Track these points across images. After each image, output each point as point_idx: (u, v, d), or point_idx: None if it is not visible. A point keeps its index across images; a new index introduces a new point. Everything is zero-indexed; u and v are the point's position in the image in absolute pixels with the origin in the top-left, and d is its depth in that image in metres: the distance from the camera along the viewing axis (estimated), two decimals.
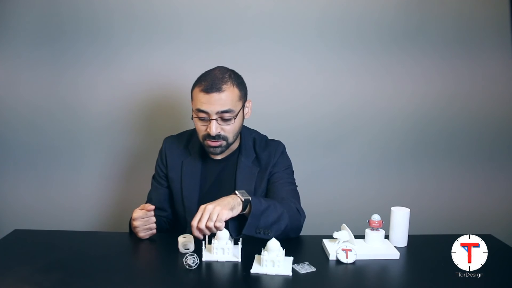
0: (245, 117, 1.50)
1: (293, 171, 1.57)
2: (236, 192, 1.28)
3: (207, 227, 1.18)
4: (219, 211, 1.18)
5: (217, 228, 1.18)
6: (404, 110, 2.02)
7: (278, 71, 1.97)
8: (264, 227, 1.26)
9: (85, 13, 1.91)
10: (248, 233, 1.25)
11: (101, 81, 1.97)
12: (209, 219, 1.18)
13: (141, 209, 1.34)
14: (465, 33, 1.97)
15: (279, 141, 1.58)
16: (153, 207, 1.33)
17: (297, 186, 1.54)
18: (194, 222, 1.19)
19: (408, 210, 1.34)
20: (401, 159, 2.06)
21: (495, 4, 1.95)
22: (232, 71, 1.46)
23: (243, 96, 1.46)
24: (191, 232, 1.47)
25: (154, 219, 1.35)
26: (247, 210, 1.26)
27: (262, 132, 1.62)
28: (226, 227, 1.24)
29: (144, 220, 1.33)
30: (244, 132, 1.55)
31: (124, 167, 2.06)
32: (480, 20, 1.96)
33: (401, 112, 2.02)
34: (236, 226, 1.31)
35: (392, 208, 1.34)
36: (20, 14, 1.91)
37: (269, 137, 1.61)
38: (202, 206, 1.21)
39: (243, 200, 1.24)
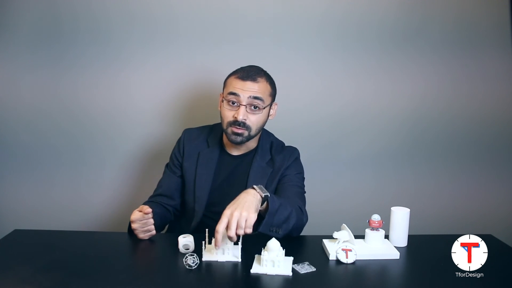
0: (269, 118, 1.55)
1: (304, 177, 1.60)
2: (255, 187, 1.25)
3: (237, 235, 1.15)
4: (246, 217, 1.14)
5: (246, 234, 1.15)
6: (404, 111, 2.02)
7: (277, 72, 1.95)
8: (277, 225, 1.26)
9: (84, 14, 1.90)
10: (262, 231, 1.24)
11: (101, 82, 1.96)
12: (238, 226, 1.13)
13: (139, 211, 1.34)
14: (465, 35, 1.96)
15: (295, 147, 1.63)
16: (150, 210, 1.33)
17: (305, 192, 1.56)
18: (220, 228, 1.13)
19: (408, 210, 1.34)
20: (401, 160, 2.06)
21: (495, 5, 1.95)
22: (266, 72, 1.54)
23: (273, 95, 1.54)
24: (193, 230, 1.48)
25: (152, 221, 1.35)
26: (263, 206, 1.24)
27: None
28: None
29: (142, 223, 1.33)
30: (264, 134, 1.60)
31: (123, 168, 2.05)
32: (480, 21, 1.95)
33: (401, 113, 2.02)
34: None
35: (392, 208, 1.34)
36: (20, 16, 1.90)
37: None
38: (227, 212, 1.15)
39: (263, 196, 1.23)
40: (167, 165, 1.65)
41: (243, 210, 1.15)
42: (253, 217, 1.15)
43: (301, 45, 1.96)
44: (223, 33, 1.93)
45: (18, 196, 2.05)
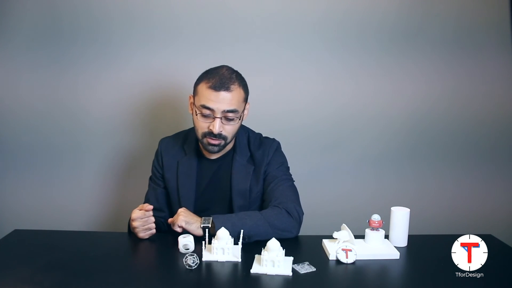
0: (243, 119, 1.50)
1: (288, 167, 1.58)
2: (203, 217, 1.36)
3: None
4: (178, 217, 1.35)
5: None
6: (404, 111, 2.02)
7: (278, 73, 1.96)
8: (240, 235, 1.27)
9: (84, 14, 1.90)
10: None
11: (101, 83, 1.96)
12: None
13: (140, 209, 1.34)
14: (465, 35, 1.96)
15: (273, 139, 1.59)
16: (151, 207, 1.34)
17: (294, 181, 1.54)
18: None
19: (408, 210, 1.34)
20: (401, 160, 2.06)
21: (495, 5, 1.95)
22: (237, 72, 1.47)
23: (246, 98, 1.48)
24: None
25: (153, 219, 1.35)
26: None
27: (262, 134, 1.62)
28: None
29: (143, 220, 1.34)
30: (239, 131, 1.54)
31: (123, 168, 2.06)
32: (480, 22, 1.95)
33: (401, 113, 2.02)
34: None
35: (392, 208, 1.34)
36: (20, 16, 1.90)
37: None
38: (181, 209, 1.39)
39: (201, 226, 1.33)
40: (150, 178, 1.62)
41: (183, 212, 1.37)
42: (180, 220, 1.34)
43: (301, 45, 1.95)
44: (222, 34, 1.93)
45: (18, 196, 2.05)
